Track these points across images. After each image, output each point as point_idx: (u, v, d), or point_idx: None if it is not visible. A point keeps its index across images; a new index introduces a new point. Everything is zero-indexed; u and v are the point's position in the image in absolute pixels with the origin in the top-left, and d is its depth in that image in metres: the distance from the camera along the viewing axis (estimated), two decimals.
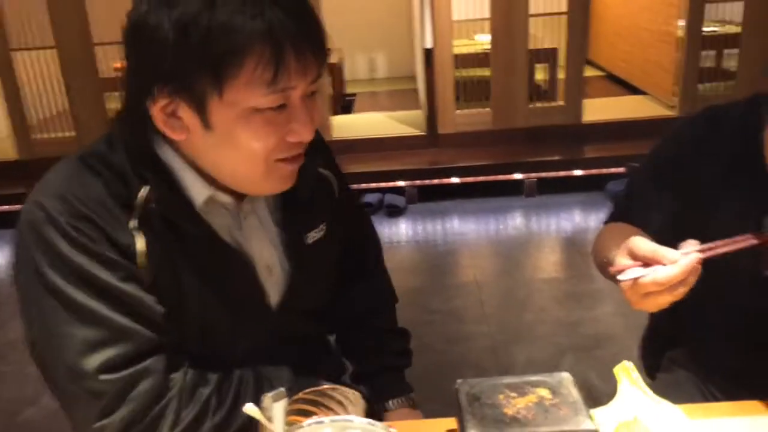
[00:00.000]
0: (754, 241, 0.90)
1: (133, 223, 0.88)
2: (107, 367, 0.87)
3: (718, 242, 0.89)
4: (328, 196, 1.12)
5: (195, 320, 0.96)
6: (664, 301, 0.86)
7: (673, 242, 1.13)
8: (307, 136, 0.90)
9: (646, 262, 0.87)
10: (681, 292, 0.85)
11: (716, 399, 0.96)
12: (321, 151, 1.11)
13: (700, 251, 0.86)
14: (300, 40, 0.84)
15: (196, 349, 0.97)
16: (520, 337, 2.65)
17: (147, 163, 0.90)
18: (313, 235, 1.08)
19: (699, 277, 0.87)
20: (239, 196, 0.99)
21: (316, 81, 0.89)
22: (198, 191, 0.93)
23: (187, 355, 0.96)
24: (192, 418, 0.92)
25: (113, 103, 4.18)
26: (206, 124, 0.86)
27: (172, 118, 0.87)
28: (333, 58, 4.94)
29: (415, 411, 1.19)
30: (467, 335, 2.69)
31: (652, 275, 0.85)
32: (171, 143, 0.91)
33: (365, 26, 6.02)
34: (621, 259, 0.90)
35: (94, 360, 0.87)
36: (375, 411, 1.19)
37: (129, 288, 0.88)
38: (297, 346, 1.08)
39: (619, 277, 0.89)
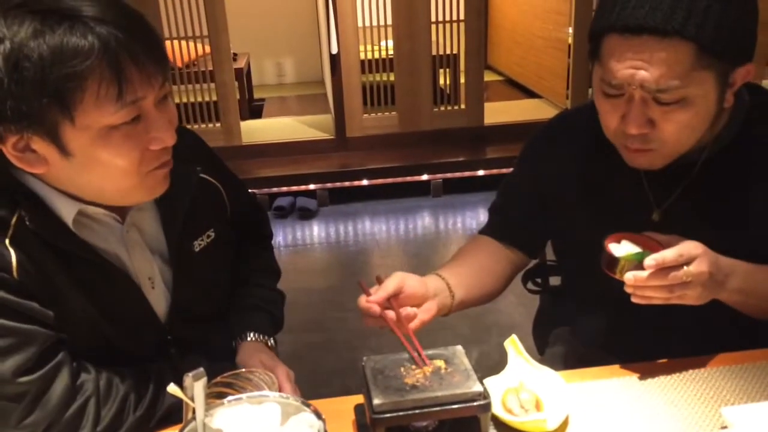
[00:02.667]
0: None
1: (7, 241, 0.90)
2: (23, 370, 0.91)
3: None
4: (214, 202, 1.15)
5: (85, 331, 0.99)
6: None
7: (536, 240, 1.26)
8: (169, 141, 0.92)
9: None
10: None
11: (591, 365, 1.09)
12: (202, 156, 1.14)
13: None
14: (136, 50, 0.84)
15: (94, 354, 1.00)
16: (428, 330, 2.75)
17: (15, 189, 0.92)
18: (200, 243, 1.10)
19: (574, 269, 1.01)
20: (117, 208, 1.00)
21: (164, 85, 0.91)
22: (67, 212, 0.94)
23: (90, 356, 0.99)
24: (113, 415, 0.96)
25: None
26: (64, 151, 0.86)
27: (27, 152, 0.87)
28: (240, 63, 4.93)
29: (270, 352, 1.19)
30: (379, 331, 2.78)
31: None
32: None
33: (272, 31, 6.03)
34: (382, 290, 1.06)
35: (8, 366, 0.90)
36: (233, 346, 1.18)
37: (18, 298, 0.91)
38: (198, 348, 1.11)
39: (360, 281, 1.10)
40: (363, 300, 1.04)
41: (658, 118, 1.00)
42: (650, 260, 0.95)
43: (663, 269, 0.95)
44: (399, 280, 1.05)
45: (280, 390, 1.07)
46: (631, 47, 0.96)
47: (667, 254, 0.95)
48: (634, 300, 0.99)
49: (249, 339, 1.18)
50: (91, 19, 0.82)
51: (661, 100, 0.98)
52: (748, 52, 1.01)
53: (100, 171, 0.89)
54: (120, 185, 0.92)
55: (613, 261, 1.00)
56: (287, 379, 1.10)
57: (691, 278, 0.96)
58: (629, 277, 0.97)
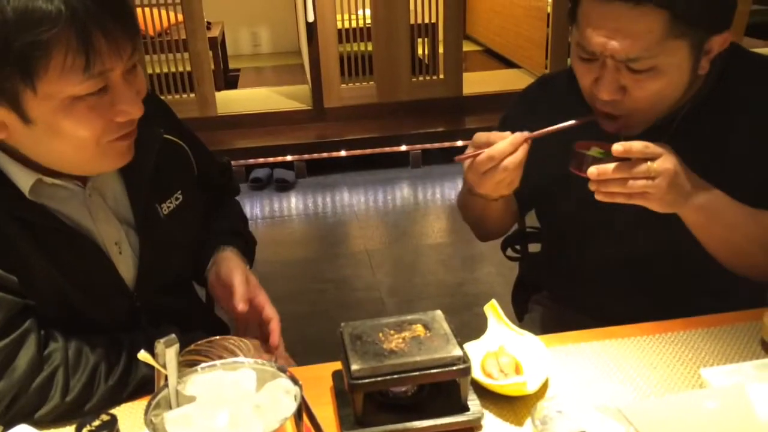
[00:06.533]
0: (575, 122, 1.05)
1: None
2: None
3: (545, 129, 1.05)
4: (181, 163, 1.12)
5: (52, 298, 0.96)
6: (499, 177, 1.01)
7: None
8: (136, 113, 0.90)
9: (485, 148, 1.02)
10: (510, 167, 1.00)
11: (569, 329, 1.09)
12: (165, 117, 1.11)
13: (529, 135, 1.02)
14: (105, 19, 0.81)
15: (63, 324, 0.98)
16: (409, 300, 2.78)
17: None
18: (168, 206, 1.08)
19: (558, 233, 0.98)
20: (79, 176, 0.98)
21: (133, 55, 0.88)
22: (24, 181, 0.92)
23: (58, 326, 0.97)
24: (82, 385, 0.94)
25: None
26: (25, 119, 0.84)
27: None
28: (214, 32, 4.82)
29: (244, 266, 1.15)
30: (359, 301, 2.79)
31: (486, 151, 1.00)
32: None
33: (247, 0, 5.91)
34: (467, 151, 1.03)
35: None
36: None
37: None
38: (170, 318, 1.08)
39: (457, 158, 1.04)
40: (506, 141, 1.02)
41: (629, 85, 1.00)
42: (618, 146, 0.95)
43: (627, 163, 0.95)
44: (484, 133, 1.04)
45: (268, 336, 1.08)
46: (604, 14, 0.96)
47: (635, 143, 0.95)
48: (597, 197, 0.99)
49: (228, 251, 1.14)
50: None
51: (632, 67, 0.98)
52: (724, 20, 1.00)
53: (61, 139, 0.87)
54: (80, 155, 0.90)
55: (581, 158, 1.01)
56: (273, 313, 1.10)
57: (654, 174, 0.95)
58: (593, 170, 0.97)
